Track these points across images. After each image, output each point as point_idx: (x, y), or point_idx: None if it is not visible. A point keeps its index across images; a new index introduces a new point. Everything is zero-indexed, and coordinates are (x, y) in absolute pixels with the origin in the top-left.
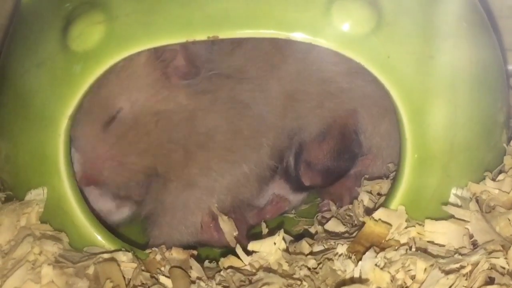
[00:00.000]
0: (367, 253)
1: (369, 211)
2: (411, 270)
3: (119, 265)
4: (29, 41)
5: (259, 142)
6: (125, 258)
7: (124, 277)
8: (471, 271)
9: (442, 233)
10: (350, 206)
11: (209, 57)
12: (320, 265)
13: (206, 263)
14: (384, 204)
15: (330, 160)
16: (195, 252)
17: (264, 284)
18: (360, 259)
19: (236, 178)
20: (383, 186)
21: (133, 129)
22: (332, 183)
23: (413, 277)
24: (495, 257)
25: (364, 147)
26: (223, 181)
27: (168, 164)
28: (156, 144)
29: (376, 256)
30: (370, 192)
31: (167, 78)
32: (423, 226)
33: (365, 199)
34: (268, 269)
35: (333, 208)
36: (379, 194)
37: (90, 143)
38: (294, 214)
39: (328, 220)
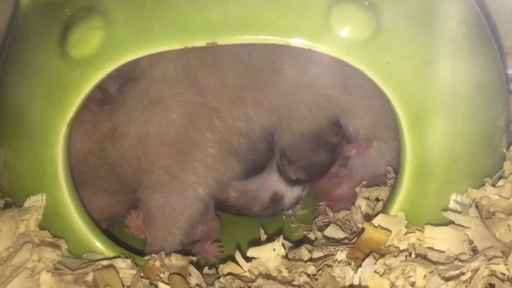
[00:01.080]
0: (366, 259)
1: (367, 217)
2: (411, 276)
3: (118, 272)
4: (27, 47)
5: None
6: (124, 264)
7: (123, 284)
8: (471, 278)
9: (442, 239)
10: (349, 212)
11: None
12: (320, 272)
13: (206, 269)
14: (384, 210)
15: (309, 157)
16: (194, 259)
17: None
18: (360, 266)
19: (202, 160)
20: (381, 193)
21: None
22: (320, 176)
23: (413, 284)
24: (495, 264)
25: (349, 134)
26: (193, 168)
27: (133, 176)
28: (110, 164)
29: (375, 263)
30: (368, 198)
31: (86, 107)
32: (423, 232)
33: (363, 205)
34: (268, 276)
35: (330, 214)
36: (377, 199)
37: None
38: (294, 220)
39: (327, 226)
